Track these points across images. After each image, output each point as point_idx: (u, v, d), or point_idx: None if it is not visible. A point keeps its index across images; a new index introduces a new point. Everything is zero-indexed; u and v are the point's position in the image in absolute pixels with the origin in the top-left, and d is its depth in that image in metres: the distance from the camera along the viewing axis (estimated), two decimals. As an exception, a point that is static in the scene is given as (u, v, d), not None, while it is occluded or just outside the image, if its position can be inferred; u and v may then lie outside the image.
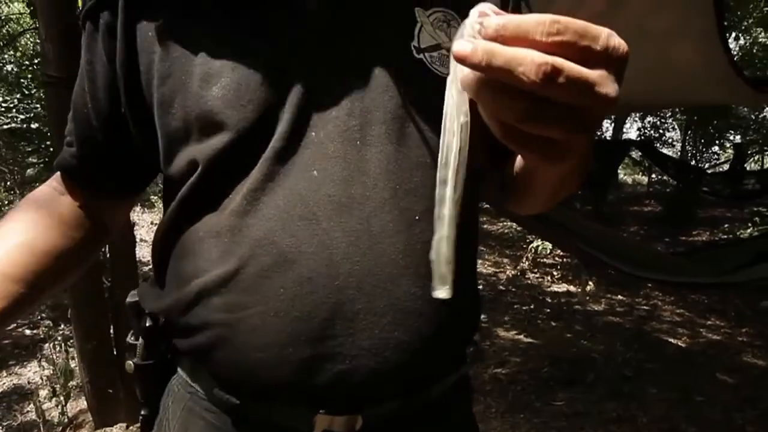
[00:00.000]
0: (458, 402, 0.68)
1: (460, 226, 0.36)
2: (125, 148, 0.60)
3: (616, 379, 3.19)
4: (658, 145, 14.24)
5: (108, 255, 2.24)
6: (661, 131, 13.55)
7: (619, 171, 12.76)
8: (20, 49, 6.00)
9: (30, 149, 4.43)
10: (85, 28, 0.58)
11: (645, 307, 4.85)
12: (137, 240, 2.87)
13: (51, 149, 4.03)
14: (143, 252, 4.65)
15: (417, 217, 0.52)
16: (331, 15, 0.52)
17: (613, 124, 10.32)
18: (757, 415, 2.75)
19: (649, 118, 12.84)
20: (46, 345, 3.09)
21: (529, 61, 0.28)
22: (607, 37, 0.31)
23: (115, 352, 2.21)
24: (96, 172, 0.63)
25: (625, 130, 13.38)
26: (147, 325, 0.58)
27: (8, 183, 9.24)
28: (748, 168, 9.09)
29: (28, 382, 2.73)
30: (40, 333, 3.34)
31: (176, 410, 0.59)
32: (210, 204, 0.53)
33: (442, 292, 0.37)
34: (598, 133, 9.48)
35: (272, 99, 0.50)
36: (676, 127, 13.57)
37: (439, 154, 0.35)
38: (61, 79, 1.88)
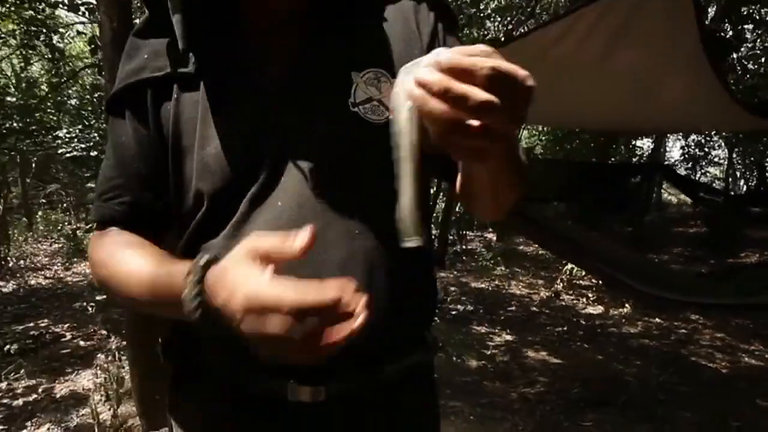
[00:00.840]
0: (419, 389, 0.79)
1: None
2: (152, 202, 0.75)
3: (648, 402, 3.16)
4: (703, 163, 13.86)
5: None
6: (706, 149, 13.17)
7: (662, 191, 12.46)
8: (81, 83, 6.51)
9: (88, 175, 4.80)
10: (110, 113, 0.75)
11: (683, 331, 4.74)
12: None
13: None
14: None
15: (357, 232, 0.67)
16: (287, 85, 0.68)
17: (653, 144, 10.10)
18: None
19: (693, 137, 12.50)
20: (99, 355, 3.33)
21: (474, 95, 0.41)
22: (525, 76, 0.43)
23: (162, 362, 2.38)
24: (140, 220, 0.76)
25: (668, 148, 13.09)
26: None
27: (64, 205, 9.90)
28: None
29: (83, 389, 2.95)
30: (95, 344, 3.60)
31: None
32: (213, 231, 0.69)
33: (411, 242, 0.49)
34: (634, 156, 9.31)
35: (250, 155, 0.67)
36: (722, 145, 13.15)
37: (394, 141, 0.49)
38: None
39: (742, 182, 13.95)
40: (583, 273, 6.16)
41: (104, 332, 3.08)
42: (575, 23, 2.21)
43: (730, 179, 11.28)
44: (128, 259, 0.67)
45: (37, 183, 8.92)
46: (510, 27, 5.75)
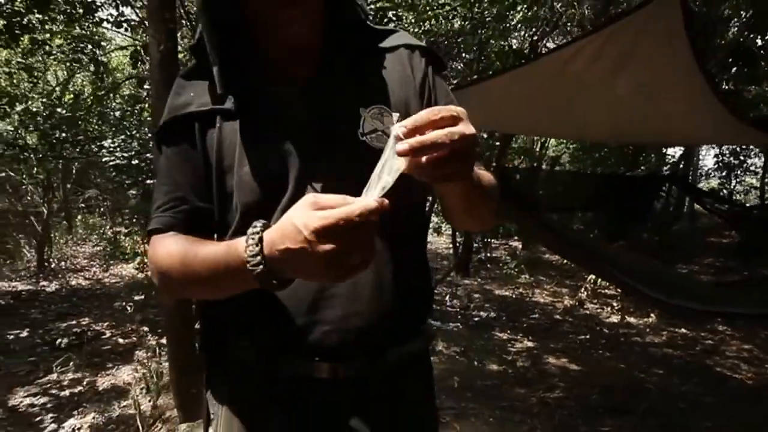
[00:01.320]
0: (418, 373, 0.94)
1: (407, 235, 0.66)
2: (204, 210, 0.89)
3: (670, 412, 3.18)
4: (738, 172, 13.53)
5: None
6: (741, 158, 12.84)
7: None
8: (121, 94, 6.83)
9: (129, 182, 5.07)
10: (162, 139, 0.89)
11: (709, 342, 4.70)
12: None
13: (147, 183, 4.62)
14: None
15: None
16: (308, 117, 0.83)
17: (682, 150, 9.92)
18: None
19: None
20: (138, 351, 3.54)
21: (434, 137, 0.59)
22: (461, 114, 0.62)
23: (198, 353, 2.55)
24: (194, 227, 0.88)
25: (701, 156, 12.81)
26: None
27: (101, 209, 10.33)
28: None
29: (123, 383, 3.15)
30: (133, 341, 3.82)
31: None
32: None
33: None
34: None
35: (278, 175, 0.81)
36: (758, 153, 12.80)
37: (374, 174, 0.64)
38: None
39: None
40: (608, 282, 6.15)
41: (144, 329, 3.27)
42: (588, 44, 2.43)
43: (766, 188, 10.96)
44: (196, 249, 0.79)
45: (76, 188, 9.35)
46: (535, 38, 5.81)
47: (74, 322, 4.55)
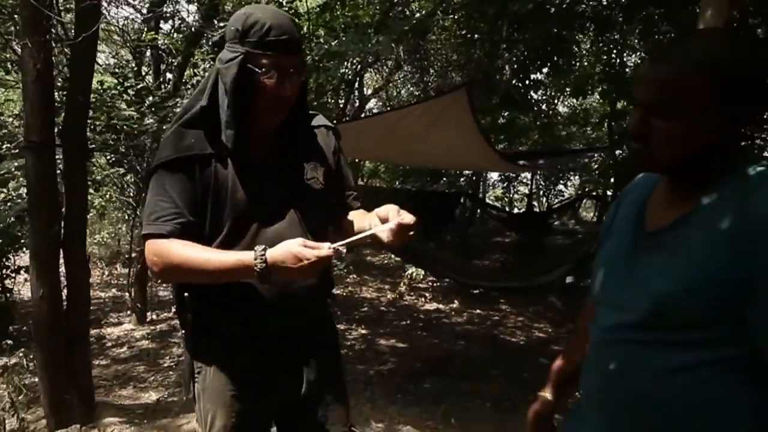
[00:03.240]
0: (329, 325, 1.47)
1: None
2: (197, 224, 1.25)
3: (470, 369, 4.18)
4: (515, 183, 16.61)
5: (66, 288, 2.72)
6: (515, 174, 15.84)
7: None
8: None
9: None
10: (166, 169, 1.21)
11: (496, 317, 6.03)
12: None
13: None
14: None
15: (307, 237, 1.20)
16: (275, 165, 1.28)
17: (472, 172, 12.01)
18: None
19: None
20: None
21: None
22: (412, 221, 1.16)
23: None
24: (187, 235, 1.23)
25: (488, 173, 15.36)
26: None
27: None
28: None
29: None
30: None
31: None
32: (229, 245, 1.23)
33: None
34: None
35: (260, 200, 1.23)
36: (528, 169, 15.89)
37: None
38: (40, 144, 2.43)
39: (544, 199, 16.96)
40: (422, 277, 7.28)
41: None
42: (413, 110, 3.98)
43: (534, 196, 13.76)
44: (199, 250, 1.18)
45: None
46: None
47: None
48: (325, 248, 1.08)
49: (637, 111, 0.86)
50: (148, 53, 4.72)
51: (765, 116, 0.88)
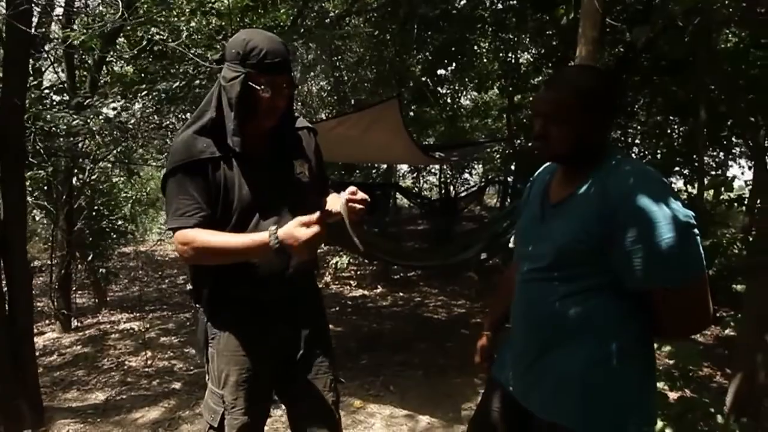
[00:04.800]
0: (315, 293, 1.72)
1: None
2: (210, 216, 1.46)
3: (400, 343, 4.59)
4: (425, 173, 17.44)
5: (6, 288, 2.71)
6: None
7: (398, 198, 15.26)
8: None
9: None
10: (184, 172, 1.43)
11: (418, 299, 6.53)
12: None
13: None
14: None
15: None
16: (270, 163, 1.50)
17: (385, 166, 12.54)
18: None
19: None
20: None
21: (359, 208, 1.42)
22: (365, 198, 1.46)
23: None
24: (207, 225, 1.43)
25: (398, 166, 16.00)
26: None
27: None
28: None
29: None
30: None
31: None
32: (239, 230, 1.47)
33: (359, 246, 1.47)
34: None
35: (262, 193, 1.49)
36: (436, 159, 16.70)
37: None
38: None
39: (452, 188, 17.97)
40: (346, 266, 7.61)
41: None
42: (350, 118, 4.49)
43: (443, 186, 14.55)
44: (221, 236, 1.40)
45: None
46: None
47: None
48: (314, 218, 1.31)
49: (538, 120, 1.25)
50: (59, 51, 4.57)
51: (613, 120, 1.33)
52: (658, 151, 7.44)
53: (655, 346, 2.25)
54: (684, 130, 7.18)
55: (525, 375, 1.29)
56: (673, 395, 2.25)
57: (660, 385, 2.19)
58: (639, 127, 8.15)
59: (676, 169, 7.18)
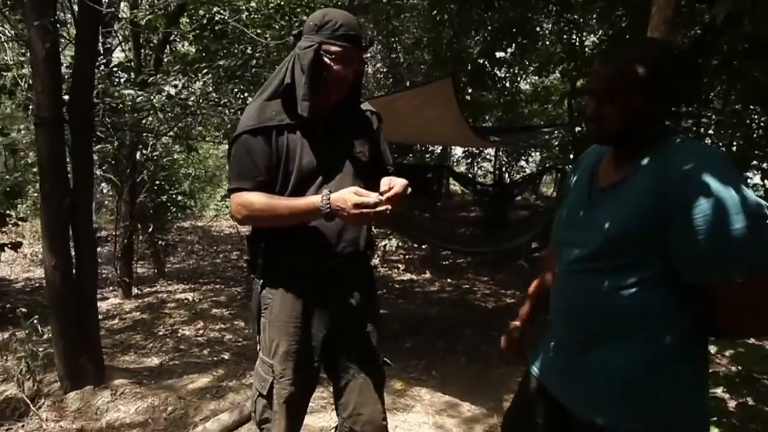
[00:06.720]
0: (368, 273, 1.72)
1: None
2: (268, 181, 1.49)
3: (445, 328, 4.55)
4: (479, 159, 17.07)
5: (74, 257, 2.89)
6: (479, 149, 16.27)
7: (452, 184, 15.06)
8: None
9: None
10: (250, 135, 1.47)
11: (466, 285, 6.45)
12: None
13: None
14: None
15: None
16: (333, 138, 1.53)
17: (440, 148, 12.33)
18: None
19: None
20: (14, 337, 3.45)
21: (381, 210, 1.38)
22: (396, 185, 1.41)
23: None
24: (265, 189, 1.47)
25: (452, 149, 15.72)
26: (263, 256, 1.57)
27: None
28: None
29: (4, 370, 3.14)
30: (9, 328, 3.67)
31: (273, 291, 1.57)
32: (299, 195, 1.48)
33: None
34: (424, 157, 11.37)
35: (319, 165, 1.50)
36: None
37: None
38: (51, 121, 2.58)
39: (506, 175, 17.51)
40: (395, 250, 7.62)
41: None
42: (405, 95, 4.43)
43: (497, 172, 14.21)
44: (275, 199, 1.44)
45: None
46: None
47: None
48: (373, 197, 1.33)
49: (591, 100, 1.16)
50: (126, 31, 4.76)
51: (678, 102, 1.21)
52: (734, 143, 6.92)
53: (716, 348, 2.11)
54: (765, 120, 6.61)
55: (566, 370, 1.23)
56: (732, 403, 2.10)
57: (719, 391, 2.04)
58: (714, 116, 7.60)
59: (754, 162, 6.65)
